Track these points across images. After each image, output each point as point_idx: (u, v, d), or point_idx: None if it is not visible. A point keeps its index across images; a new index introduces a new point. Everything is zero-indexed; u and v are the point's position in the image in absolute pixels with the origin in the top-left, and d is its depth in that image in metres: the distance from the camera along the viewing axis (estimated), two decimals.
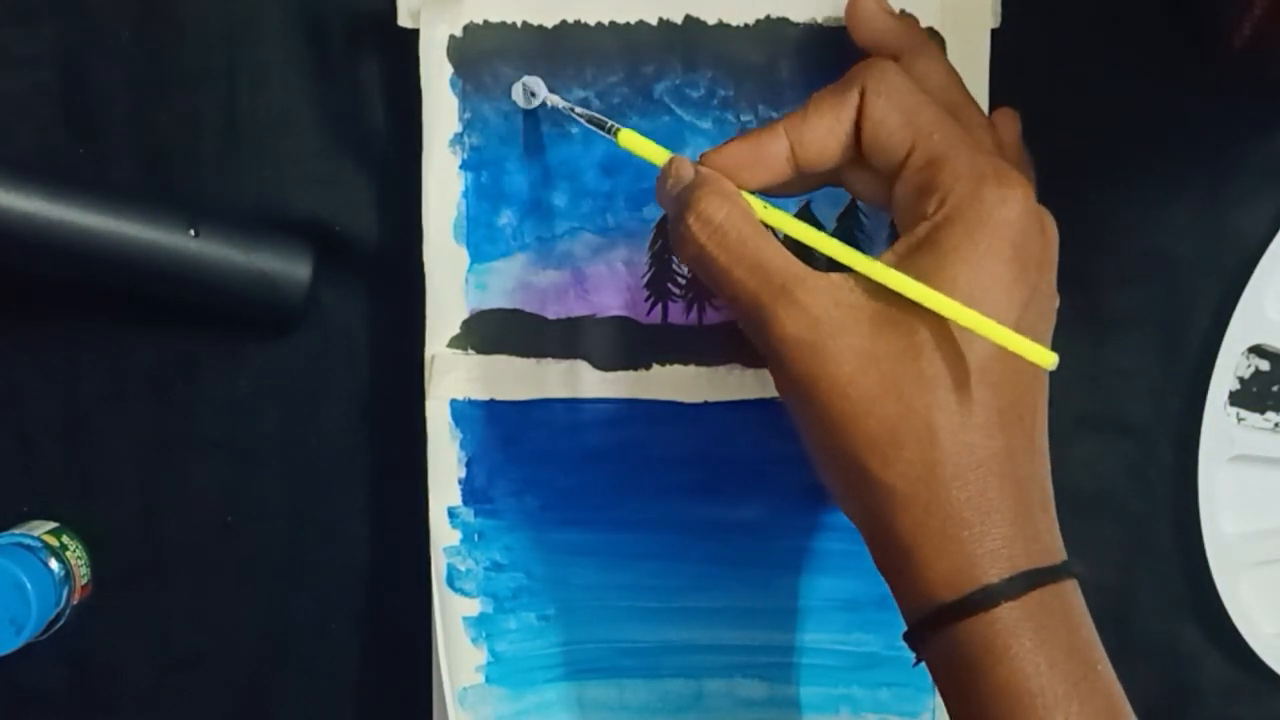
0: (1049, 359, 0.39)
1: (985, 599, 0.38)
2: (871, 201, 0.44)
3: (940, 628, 0.39)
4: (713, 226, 0.41)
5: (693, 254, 0.41)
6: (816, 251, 0.41)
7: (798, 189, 0.44)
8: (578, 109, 0.46)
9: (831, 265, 0.41)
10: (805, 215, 0.49)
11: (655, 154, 0.44)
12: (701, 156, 0.43)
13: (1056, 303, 0.42)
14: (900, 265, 0.40)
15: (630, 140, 0.44)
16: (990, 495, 0.39)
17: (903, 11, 0.47)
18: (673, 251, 0.48)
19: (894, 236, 0.49)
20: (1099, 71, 0.49)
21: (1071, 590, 0.40)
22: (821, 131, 0.42)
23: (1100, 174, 0.50)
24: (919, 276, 0.39)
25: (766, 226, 0.41)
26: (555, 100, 0.47)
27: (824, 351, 0.39)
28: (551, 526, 0.50)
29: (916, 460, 0.39)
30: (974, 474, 0.39)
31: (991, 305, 0.39)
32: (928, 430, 0.39)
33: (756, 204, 0.42)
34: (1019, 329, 0.39)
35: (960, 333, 0.39)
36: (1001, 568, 0.38)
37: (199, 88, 0.50)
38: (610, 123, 0.45)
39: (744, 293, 0.40)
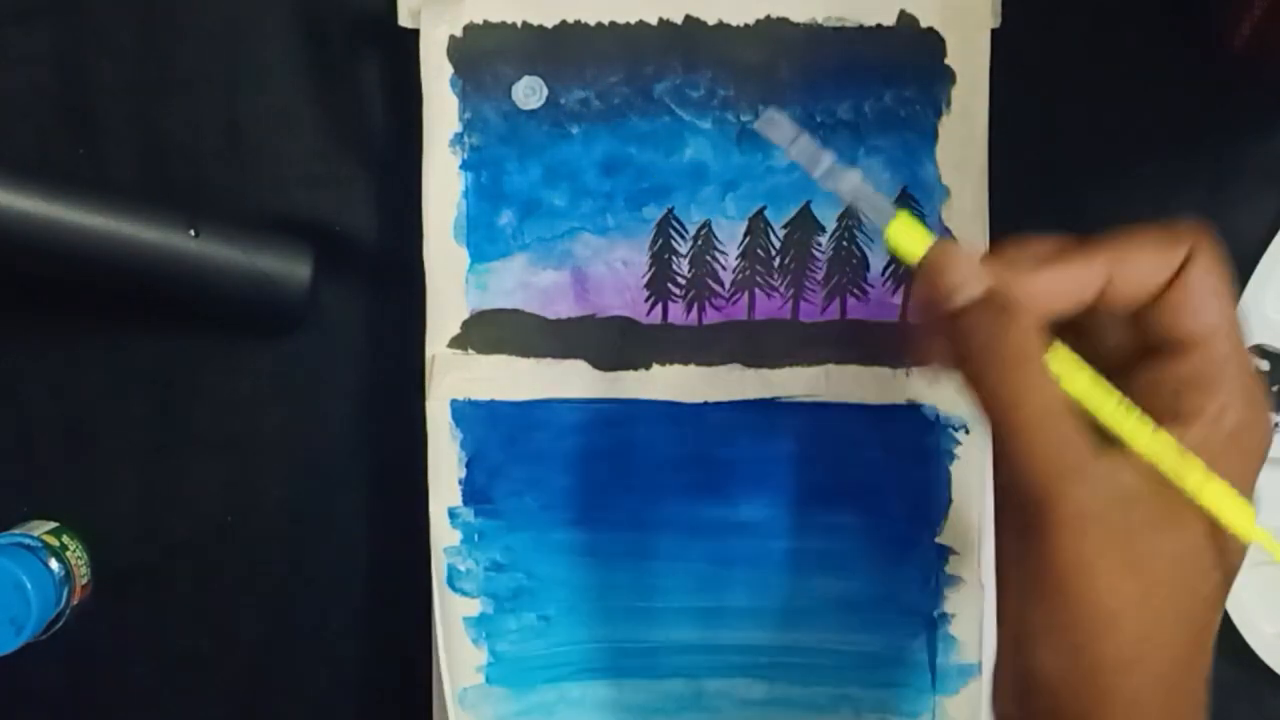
0: None
1: None
2: (1121, 342, 0.41)
3: None
4: (1021, 382, 0.37)
5: (983, 391, 0.38)
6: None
7: (1102, 312, 0.40)
8: (851, 191, 0.40)
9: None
10: (805, 214, 0.49)
11: (925, 244, 0.39)
12: (1000, 252, 0.39)
13: None
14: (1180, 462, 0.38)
15: (904, 230, 0.39)
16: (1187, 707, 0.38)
17: None
18: (668, 256, 0.48)
19: None
20: (1099, 71, 0.49)
21: None
22: (1144, 271, 0.38)
23: (1100, 174, 0.50)
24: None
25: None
26: (821, 162, 0.40)
27: (1094, 545, 0.37)
28: (552, 526, 0.50)
29: (1159, 679, 0.37)
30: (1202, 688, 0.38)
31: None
32: (1186, 646, 0.38)
33: (1066, 357, 0.38)
34: None
35: (1224, 547, 0.38)
36: None
37: (199, 88, 0.50)
38: (890, 206, 0.39)
39: (1027, 460, 0.37)
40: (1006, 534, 0.40)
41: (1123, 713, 0.37)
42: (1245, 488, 0.38)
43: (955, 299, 0.38)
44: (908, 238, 0.39)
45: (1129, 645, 0.37)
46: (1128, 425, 0.38)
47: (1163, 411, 0.38)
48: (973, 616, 0.49)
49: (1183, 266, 0.38)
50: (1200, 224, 0.39)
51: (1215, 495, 0.37)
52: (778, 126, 0.40)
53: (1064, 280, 0.38)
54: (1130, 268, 0.38)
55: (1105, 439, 0.38)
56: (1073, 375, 0.38)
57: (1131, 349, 0.40)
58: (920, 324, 0.40)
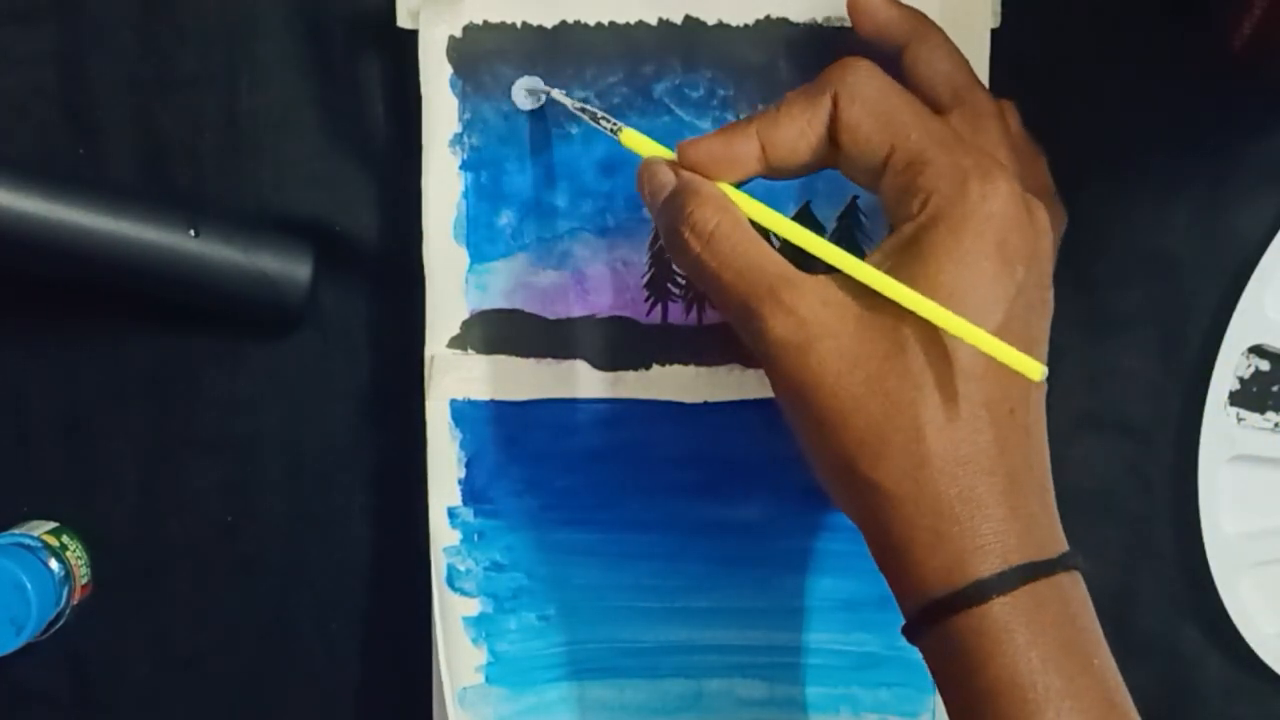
0: (1035, 370, 0.39)
1: (977, 594, 0.38)
2: (868, 189, 0.44)
3: (934, 622, 0.39)
4: (705, 235, 0.41)
5: (687, 262, 0.42)
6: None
7: (786, 177, 0.44)
8: (577, 103, 0.46)
9: (829, 265, 0.41)
10: (805, 215, 0.49)
11: (659, 154, 0.44)
12: (678, 146, 0.43)
13: (1050, 293, 0.42)
14: (887, 264, 0.40)
15: (633, 140, 0.44)
16: (980, 490, 0.39)
17: None
18: (668, 257, 0.48)
19: None
20: (1099, 71, 0.49)
21: (1069, 583, 0.40)
22: (792, 135, 0.42)
23: (1100, 174, 0.50)
24: (905, 275, 0.39)
25: (758, 228, 0.42)
26: (559, 96, 0.47)
27: (811, 352, 0.40)
28: (551, 526, 0.50)
29: (904, 458, 0.39)
30: (962, 470, 0.39)
31: (976, 302, 0.39)
32: (914, 428, 0.39)
33: (750, 204, 0.42)
34: (1007, 324, 0.39)
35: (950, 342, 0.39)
36: (993, 563, 0.38)
37: (199, 88, 0.50)
38: (614, 122, 0.45)
39: (735, 296, 0.41)
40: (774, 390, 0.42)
41: (894, 500, 0.39)
42: (976, 255, 0.39)
43: (659, 198, 0.43)
44: (644, 146, 0.44)
45: (871, 429, 0.39)
46: (816, 244, 0.41)
47: (896, 225, 0.41)
48: None
49: (836, 110, 0.42)
50: (844, 61, 0.42)
51: (892, 288, 0.39)
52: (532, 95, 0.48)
53: (721, 148, 0.42)
54: (779, 132, 0.42)
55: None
56: (767, 215, 0.42)
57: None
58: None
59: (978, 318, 0.39)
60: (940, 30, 0.45)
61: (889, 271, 0.39)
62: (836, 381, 0.39)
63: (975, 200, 0.39)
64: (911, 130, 0.41)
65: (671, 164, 0.43)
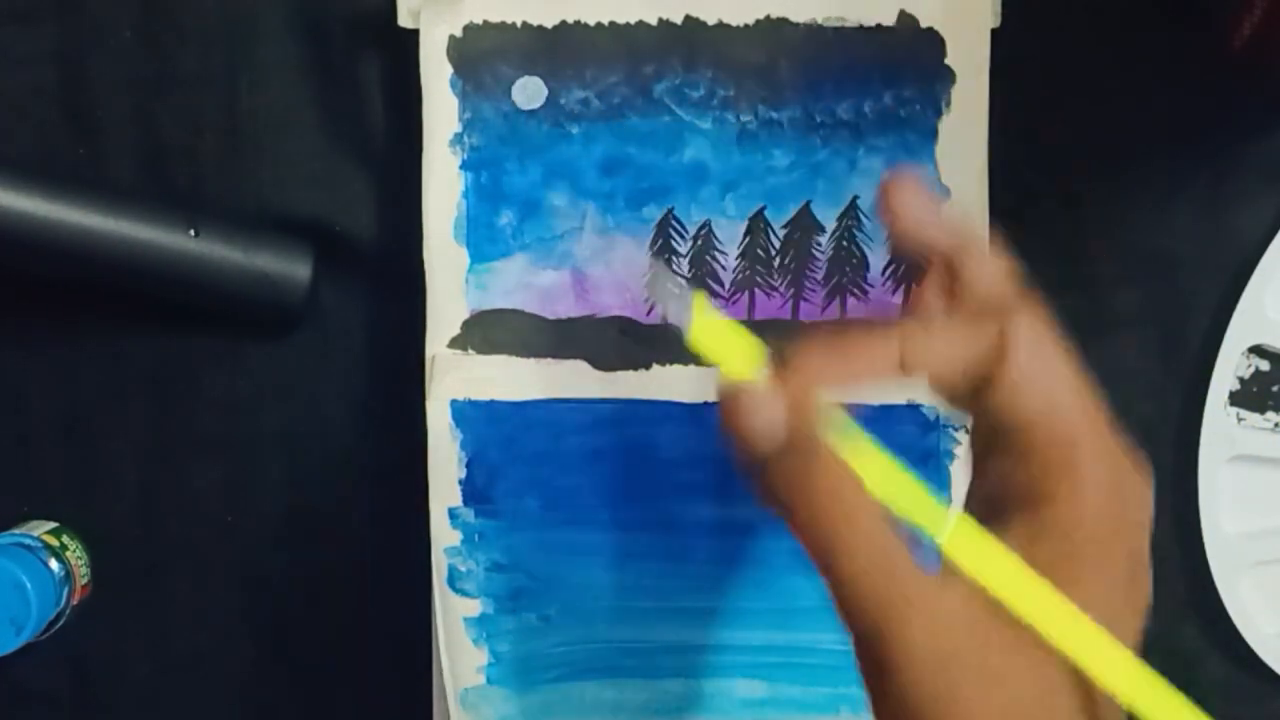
0: None
1: None
2: (963, 412, 0.39)
3: None
4: (842, 528, 0.36)
5: (807, 537, 0.37)
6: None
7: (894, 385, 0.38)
8: (664, 274, 0.44)
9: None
10: (804, 214, 0.49)
11: (731, 360, 0.37)
12: (787, 377, 0.36)
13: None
14: (1028, 550, 0.35)
15: (703, 336, 0.38)
16: None
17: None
18: (668, 257, 0.48)
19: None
20: (1099, 71, 0.49)
21: None
22: (948, 355, 0.36)
23: (1100, 174, 0.50)
24: (1050, 572, 0.35)
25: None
26: (660, 270, 0.45)
27: (950, 669, 0.35)
28: (552, 527, 0.50)
29: None
30: None
31: (1120, 630, 0.36)
32: None
33: (874, 462, 0.37)
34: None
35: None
36: None
37: (199, 88, 0.50)
38: (687, 299, 0.39)
39: (865, 588, 0.35)
40: (864, 676, 0.37)
41: None
42: (1121, 563, 0.36)
43: (759, 445, 0.36)
44: (709, 347, 0.37)
45: None
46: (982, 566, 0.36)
47: (1020, 498, 0.36)
48: None
49: (1004, 346, 0.36)
50: (1019, 308, 0.37)
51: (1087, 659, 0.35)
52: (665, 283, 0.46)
53: (849, 354, 0.36)
54: (934, 348, 0.36)
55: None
56: (896, 481, 0.36)
57: (985, 432, 0.37)
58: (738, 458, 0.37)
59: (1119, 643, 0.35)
60: (981, 239, 0.39)
61: (1031, 561, 0.35)
62: (973, 704, 0.34)
63: (1131, 506, 0.36)
64: (1071, 405, 0.36)
65: (772, 397, 0.36)
